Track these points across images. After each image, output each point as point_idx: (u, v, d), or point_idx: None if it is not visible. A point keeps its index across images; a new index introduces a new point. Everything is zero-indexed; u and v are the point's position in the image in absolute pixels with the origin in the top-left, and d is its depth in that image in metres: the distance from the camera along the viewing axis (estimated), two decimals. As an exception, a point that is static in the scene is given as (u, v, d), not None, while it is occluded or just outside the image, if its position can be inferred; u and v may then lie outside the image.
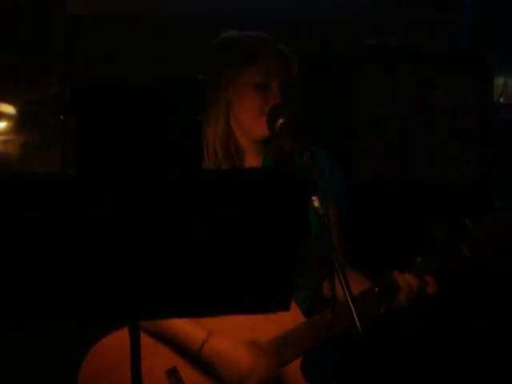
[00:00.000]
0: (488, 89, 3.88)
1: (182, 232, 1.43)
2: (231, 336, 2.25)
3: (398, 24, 3.75)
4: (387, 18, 3.74)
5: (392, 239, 3.73)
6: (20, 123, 3.28)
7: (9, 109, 3.27)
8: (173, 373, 2.25)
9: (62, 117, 3.19)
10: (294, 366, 2.26)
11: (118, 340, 2.25)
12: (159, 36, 3.44)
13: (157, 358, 2.26)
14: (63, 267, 1.41)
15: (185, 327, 2.23)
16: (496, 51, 3.84)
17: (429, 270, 2.29)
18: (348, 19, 3.69)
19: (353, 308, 1.78)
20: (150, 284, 1.46)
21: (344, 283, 1.79)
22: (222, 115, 2.30)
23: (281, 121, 2.18)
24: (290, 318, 2.25)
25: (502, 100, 3.88)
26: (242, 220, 1.45)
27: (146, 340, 2.23)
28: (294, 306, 2.25)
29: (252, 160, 2.37)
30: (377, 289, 2.27)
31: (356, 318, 1.76)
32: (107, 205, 1.38)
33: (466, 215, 3.39)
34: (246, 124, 2.29)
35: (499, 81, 3.88)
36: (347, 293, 1.79)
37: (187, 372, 2.26)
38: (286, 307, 1.58)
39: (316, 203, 1.91)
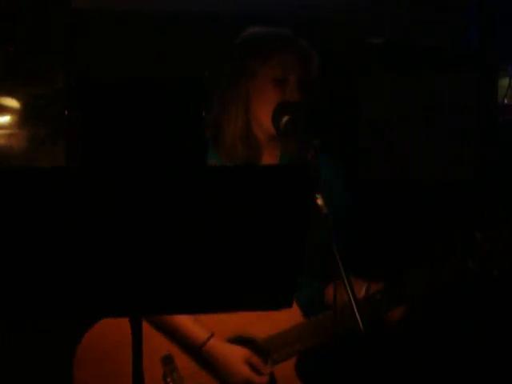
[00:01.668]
0: (489, 88, 3.88)
1: (185, 228, 1.43)
2: (228, 329, 2.27)
3: (398, 23, 3.75)
4: (387, 17, 3.73)
5: (391, 239, 3.73)
6: (24, 117, 3.28)
7: (13, 103, 3.27)
8: (168, 360, 2.28)
9: (66, 111, 3.19)
10: (289, 365, 2.28)
11: (112, 326, 2.26)
12: (162, 32, 3.43)
13: (152, 344, 2.27)
14: (66, 262, 1.42)
15: (188, 324, 2.26)
16: (500, 52, 3.84)
17: (435, 281, 2.28)
18: (348, 18, 3.69)
19: (355, 307, 1.78)
20: (152, 280, 1.47)
21: (347, 283, 1.80)
22: (242, 109, 2.31)
23: (285, 119, 2.19)
24: (289, 317, 2.27)
25: (506, 101, 3.88)
26: (243, 216, 1.45)
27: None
28: (293, 305, 2.26)
29: (269, 156, 2.38)
30: (379, 296, 2.29)
31: (358, 318, 1.76)
32: (110, 200, 1.38)
33: (466, 217, 3.40)
34: (263, 119, 2.30)
35: (504, 82, 3.88)
36: (350, 292, 1.79)
37: (182, 360, 2.29)
38: (288, 304, 1.59)
39: (320, 201, 1.92)
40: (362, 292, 2.31)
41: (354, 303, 1.79)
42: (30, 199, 1.37)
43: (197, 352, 2.27)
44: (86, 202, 1.38)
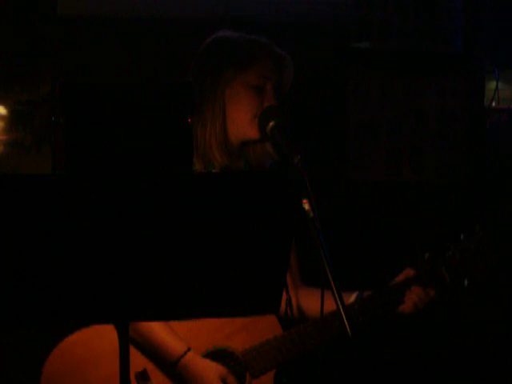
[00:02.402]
0: (476, 92, 3.89)
1: (170, 234, 1.43)
2: (206, 342, 2.25)
3: (385, 28, 3.76)
4: (374, 22, 3.74)
5: (379, 241, 3.74)
6: (11, 124, 3.27)
7: (-1, 109, 3.27)
8: (143, 376, 2.23)
9: (53, 117, 3.18)
10: (268, 377, 2.26)
11: (83, 339, 2.24)
12: (152, 38, 3.43)
13: None
14: (50, 270, 1.41)
15: (165, 336, 2.22)
16: (487, 56, 3.85)
17: (414, 295, 2.29)
18: (339, 22, 3.69)
19: (343, 313, 1.77)
20: (140, 285, 1.46)
21: (334, 288, 1.79)
22: (220, 115, 2.29)
23: (272, 124, 2.18)
24: (268, 329, 2.26)
25: (493, 104, 3.89)
26: (229, 222, 1.45)
27: (113, 341, 2.23)
28: (272, 317, 2.26)
29: (240, 163, 2.38)
30: (356, 306, 2.29)
31: (347, 324, 1.75)
32: (98, 206, 1.38)
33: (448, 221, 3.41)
34: (240, 125, 2.29)
35: (491, 85, 3.90)
36: (337, 296, 1.79)
37: (157, 376, 2.24)
38: (274, 310, 1.58)
39: (306, 206, 1.91)
40: (350, 300, 2.31)
41: (342, 309, 1.78)
42: (14, 207, 1.36)
43: (172, 366, 2.22)
44: (71, 209, 1.37)
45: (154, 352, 2.23)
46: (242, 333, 2.24)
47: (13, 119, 3.26)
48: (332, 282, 1.81)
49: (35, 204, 1.36)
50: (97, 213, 1.38)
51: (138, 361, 2.23)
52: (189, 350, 2.21)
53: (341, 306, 1.78)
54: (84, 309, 1.47)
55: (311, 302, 2.37)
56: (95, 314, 1.49)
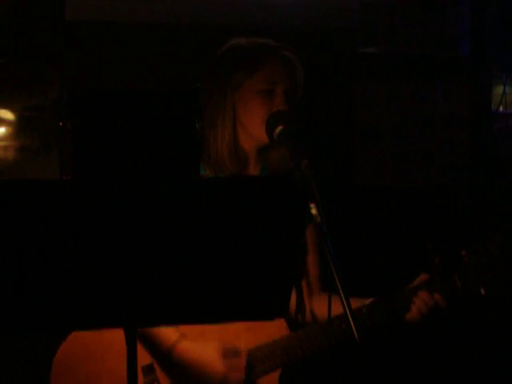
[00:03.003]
0: (483, 97, 3.90)
1: (178, 239, 1.43)
2: (211, 341, 2.23)
3: (392, 33, 3.77)
4: (381, 27, 3.75)
5: (386, 245, 3.74)
6: (19, 129, 3.28)
7: (7, 114, 3.27)
8: (150, 370, 2.22)
9: (60, 122, 3.19)
10: (273, 377, 2.26)
11: (87, 336, 2.22)
12: (159, 44, 3.44)
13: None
14: (59, 274, 1.41)
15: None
16: (494, 60, 3.86)
17: (425, 302, 2.28)
18: (345, 28, 3.70)
19: (350, 317, 1.77)
20: (149, 290, 1.46)
21: (342, 292, 1.79)
22: (229, 121, 2.30)
23: (279, 128, 2.18)
24: (275, 329, 2.25)
25: (501, 109, 3.90)
26: (240, 226, 1.45)
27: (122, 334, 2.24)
28: (280, 319, 2.23)
29: (253, 169, 2.38)
30: (365, 310, 2.28)
31: (353, 328, 1.75)
32: (106, 211, 1.38)
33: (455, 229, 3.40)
34: (251, 130, 2.30)
35: (498, 90, 3.90)
36: (344, 301, 1.78)
37: (163, 369, 2.24)
38: (282, 313, 1.58)
39: (314, 211, 1.91)
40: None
41: (349, 314, 1.77)
42: (22, 212, 1.36)
43: (168, 354, 2.20)
44: (80, 214, 1.38)
45: (148, 342, 2.21)
46: (248, 333, 2.23)
47: (21, 124, 3.27)
48: (340, 287, 1.81)
49: (43, 209, 1.36)
50: (105, 217, 1.39)
51: (145, 354, 2.22)
52: (182, 336, 2.19)
53: (348, 311, 1.77)
54: (92, 314, 1.47)
55: (323, 307, 2.37)
56: (103, 318, 1.50)
